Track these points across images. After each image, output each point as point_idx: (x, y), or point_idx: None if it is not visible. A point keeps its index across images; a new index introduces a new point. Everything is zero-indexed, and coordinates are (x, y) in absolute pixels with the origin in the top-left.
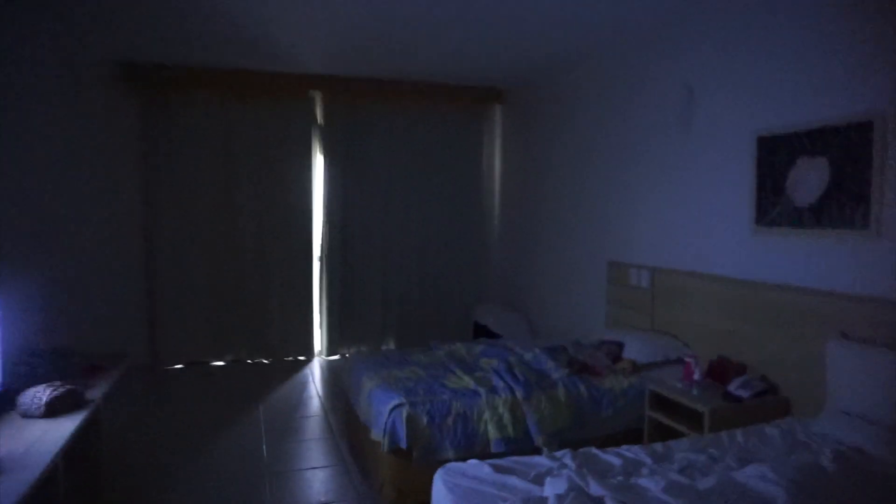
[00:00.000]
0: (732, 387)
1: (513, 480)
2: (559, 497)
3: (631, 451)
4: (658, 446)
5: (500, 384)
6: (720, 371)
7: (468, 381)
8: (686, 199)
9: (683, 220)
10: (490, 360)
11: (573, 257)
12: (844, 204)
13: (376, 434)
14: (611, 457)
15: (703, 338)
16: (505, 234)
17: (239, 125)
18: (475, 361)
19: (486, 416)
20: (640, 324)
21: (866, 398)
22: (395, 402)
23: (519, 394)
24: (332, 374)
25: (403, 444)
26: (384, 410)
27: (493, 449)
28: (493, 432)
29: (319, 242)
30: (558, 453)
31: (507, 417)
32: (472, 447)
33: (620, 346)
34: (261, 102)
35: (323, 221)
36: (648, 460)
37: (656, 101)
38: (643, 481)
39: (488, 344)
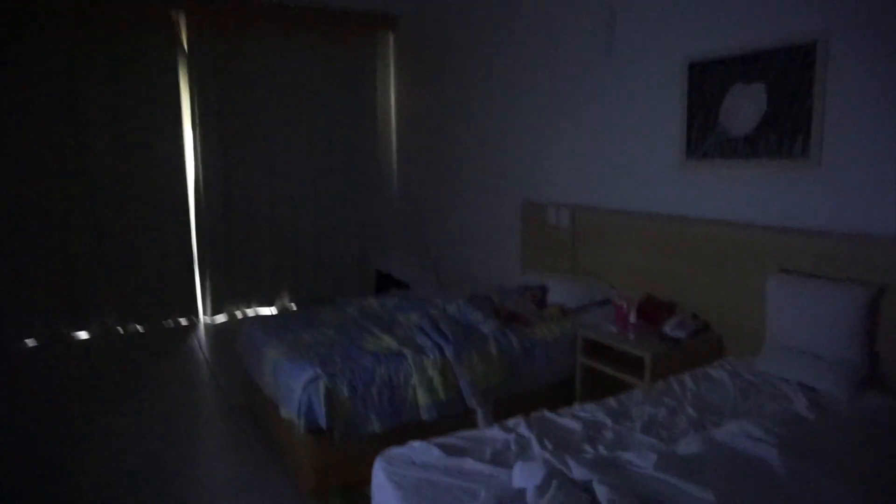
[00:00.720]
0: (668, 328)
1: (469, 464)
2: (540, 489)
3: (585, 411)
4: (611, 402)
5: (427, 343)
6: (651, 311)
7: (389, 342)
8: (609, 132)
9: (607, 155)
10: (408, 315)
11: (483, 197)
12: (783, 133)
13: (288, 413)
14: (568, 420)
15: (629, 278)
16: (406, 176)
17: (92, 54)
18: (391, 317)
19: (415, 380)
20: (561, 266)
21: (809, 333)
22: (310, 375)
23: (449, 353)
24: (223, 338)
25: (323, 423)
26: (296, 386)
27: (424, 416)
28: (423, 398)
29: (194, 191)
30: (510, 423)
31: (437, 380)
32: (399, 416)
33: (544, 290)
34: (113, 27)
35: (196, 167)
36: (608, 420)
37: (574, 25)
38: (627, 456)
39: (402, 297)
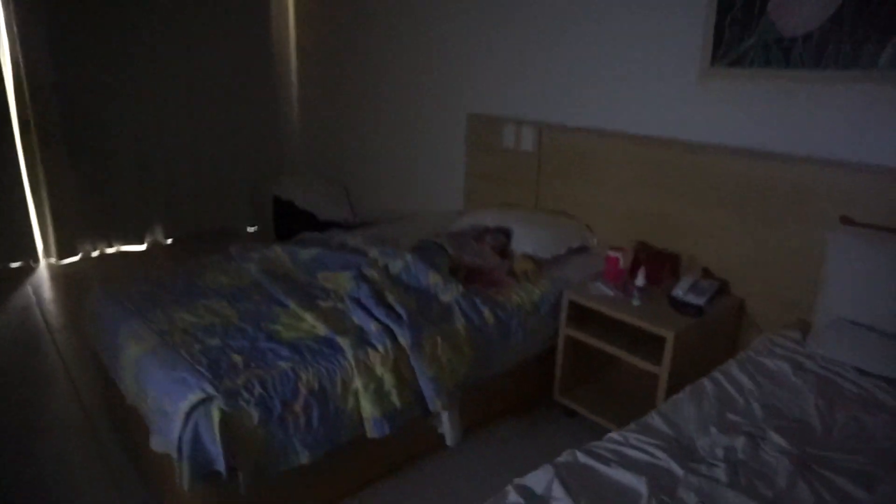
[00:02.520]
0: (679, 290)
1: None
2: None
3: (630, 444)
4: (657, 421)
5: (371, 325)
6: (651, 266)
7: (313, 323)
8: (594, 25)
9: (588, 56)
10: (336, 275)
11: (413, 109)
12: (864, 35)
13: (161, 445)
14: (618, 471)
15: (612, 221)
16: (309, 82)
17: None
18: (310, 279)
19: (358, 384)
20: (519, 201)
21: (882, 306)
22: (195, 394)
23: (403, 338)
24: (76, 290)
25: (221, 467)
26: (174, 412)
27: (372, 433)
28: (369, 408)
29: (16, 101)
30: (531, 481)
31: (389, 381)
32: (336, 437)
33: (507, 235)
34: None
35: (15, 74)
36: (673, 464)
37: None
38: None
39: (322, 245)
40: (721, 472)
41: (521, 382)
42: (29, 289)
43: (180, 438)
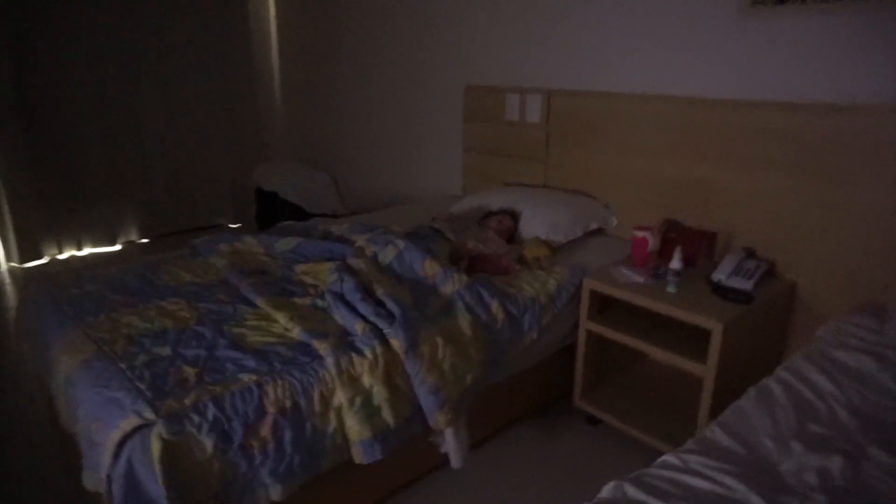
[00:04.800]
0: (722, 273)
1: None
2: None
3: (691, 470)
4: (719, 434)
5: (356, 326)
6: (688, 246)
7: (286, 324)
8: None
9: (603, 8)
10: (316, 266)
11: (405, 84)
12: None
13: (92, 483)
14: None
15: (635, 197)
16: (291, 61)
17: None
18: (286, 274)
19: (341, 399)
20: (526, 179)
21: None
22: (129, 420)
23: (399, 341)
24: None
25: None
26: (103, 441)
27: (361, 458)
28: (356, 428)
29: None
30: None
31: (379, 394)
32: (315, 466)
33: (514, 217)
34: None
35: None
36: (755, 498)
37: None
38: None
39: (302, 233)
40: None
41: (535, 386)
42: None
43: (109, 477)
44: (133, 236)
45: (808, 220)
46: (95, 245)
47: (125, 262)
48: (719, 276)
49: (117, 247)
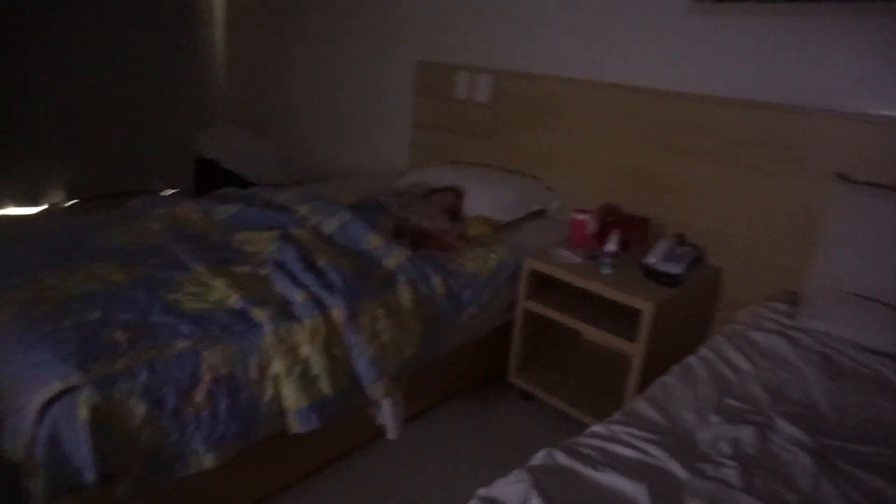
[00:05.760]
0: (654, 257)
1: None
2: None
3: (618, 439)
4: (646, 409)
5: (296, 294)
6: (625, 230)
7: (225, 291)
8: None
9: None
10: (257, 234)
11: (355, 56)
12: None
13: (14, 450)
14: (610, 476)
15: (573, 179)
16: (237, 23)
17: None
18: (226, 241)
19: (278, 368)
20: (473, 158)
21: (888, 274)
22: (54, 384)
23: (339, 311)
24: None
25: (92, 476)
26: (27, 404)
27: (298, 427)
28: (293, 397)
29: None
30: (506, 493)
31: (317, 363)
32: (249, 434)
33: (458, 194)
34: None
35: None
36: (674, 465)
37: None
38: None
39: (244, 201)
40: (732, 474)
41: (472, 361)
42: None
43: (34, 439)
44: (58, 198)
45: (737, 210)
46: (16, 205)
47: (49, 223)
48: (652, 259)
49: (40, 208)
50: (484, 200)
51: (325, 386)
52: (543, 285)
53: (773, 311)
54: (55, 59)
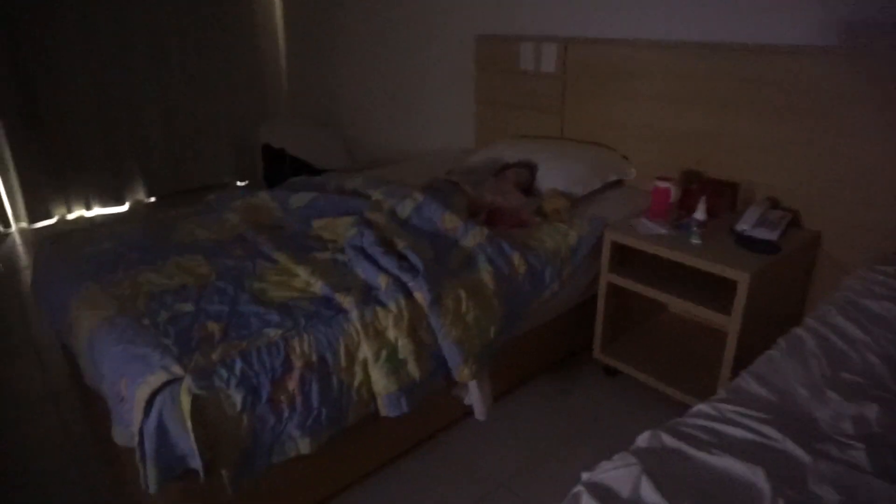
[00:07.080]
0: (745, 224)
1: None
2: None
3: (727, 419)
4: (752, 384)
5: (379, 279)
6: (710, 197)
7: (307, 279)
8: None
9: None
10: (333, 221)
11: (413, 35)
12: None
13: (123, 439)
14: (721, 458)
15: (652, 148)
16: (295, 16)
17: None
18: (303, 230)
19: (366, 353)
20: (541, 131)
21: None
22: (158, 375)
23: (423, 294)
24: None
25: (197, 465)
26: (132, 397)
27: (387, 411)
28: (382, 381)
29: None
30: (613, 479)
31: (405, 347)
32: (342, 419)
33: (532, 169)
34: None
35: None
36: (793, 445)
37: None
38: None
39: (317, 189)
40: (859, 455)
41: (553, 339)
42: None
43: (142, 431)
44: (141, 196)
45: (825, 170)
46: (104, 205)
47: (135, 220)
48: (743, 226)
49: (125, 206)
50: (557, 174)
51: (412, 370)
52: (624, 258)
53: (883, 274)
54: (127, 66)
